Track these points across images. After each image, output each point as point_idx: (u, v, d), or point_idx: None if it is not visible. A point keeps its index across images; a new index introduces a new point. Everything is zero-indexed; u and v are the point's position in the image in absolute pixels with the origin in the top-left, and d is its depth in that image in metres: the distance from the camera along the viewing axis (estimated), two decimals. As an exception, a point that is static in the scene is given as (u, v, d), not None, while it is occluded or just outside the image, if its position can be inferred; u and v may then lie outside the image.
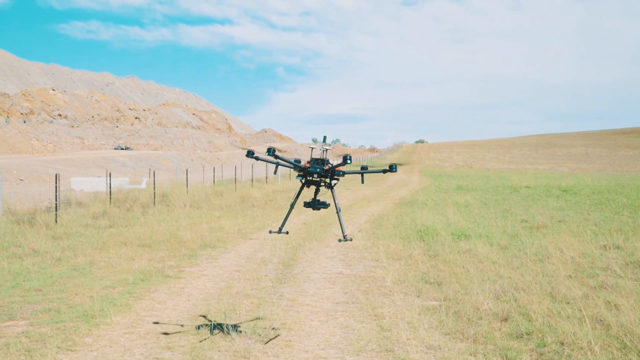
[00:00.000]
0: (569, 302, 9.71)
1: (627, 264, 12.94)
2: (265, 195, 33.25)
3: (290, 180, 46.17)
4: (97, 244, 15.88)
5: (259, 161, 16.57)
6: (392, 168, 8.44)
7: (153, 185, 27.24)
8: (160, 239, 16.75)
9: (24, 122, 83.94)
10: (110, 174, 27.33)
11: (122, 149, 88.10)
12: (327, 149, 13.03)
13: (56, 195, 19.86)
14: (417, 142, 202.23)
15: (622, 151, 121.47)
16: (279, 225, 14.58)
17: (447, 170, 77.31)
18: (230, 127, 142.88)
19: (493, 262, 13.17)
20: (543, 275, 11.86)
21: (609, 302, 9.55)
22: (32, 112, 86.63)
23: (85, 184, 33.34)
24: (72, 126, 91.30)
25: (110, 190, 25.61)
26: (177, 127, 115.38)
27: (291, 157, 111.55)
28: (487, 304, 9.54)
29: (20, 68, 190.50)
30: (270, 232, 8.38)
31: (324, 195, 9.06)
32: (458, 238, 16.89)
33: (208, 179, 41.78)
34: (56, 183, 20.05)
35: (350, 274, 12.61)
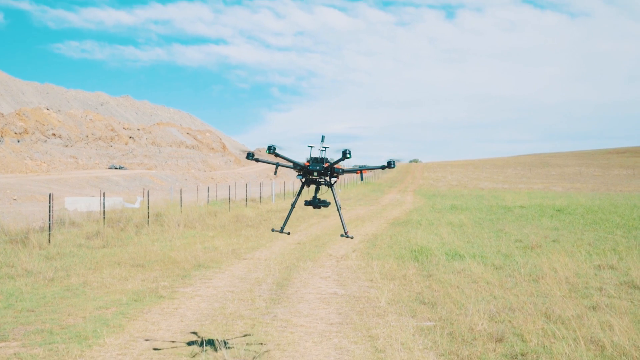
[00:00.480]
0: (563, 323, 9.70)
1: (621, 284, 12.95)
2: (259, 215, 33.21)
3: (284, 200, 46.14)
4: (90, 264, 15.81)
5: (259, 163, 16.56)
6: (390, 164, 8.48)
7: (147, 205, 27.17)
8: (154, 259, 16.69)
9: (18, 141, 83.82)
10: (104, 193, 27.28)
11: (116, 168, 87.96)
12: (325, 148, 13.07)
13: (49, 215, 19.80)
14: (411, 161, 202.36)
15: (616, 171, 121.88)
16: (281, 225, 14.60)
17: (441, 190, 77.39)
18: (224, 147, 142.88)
19: (487, 282, 13.16)
20: (537, 296, 11.85)
21: (604, 323, 9.54)
22: (26, 131, 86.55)
23: (78, 203, 33.24)
24: (66, 145, 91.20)
25: (104, 210, 25.54)
26: (171, 146, 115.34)
27: (286, 178, 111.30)
28: (482, 324, 9.52)
29: (14, 87, 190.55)
30: (272, 230, 8.37)
31: (322, 195, 9.10)
32: (452, 258, 16.89)
33: (202, 198, 41.73)
34: (50, 203, 20.00)
35: (345, 295, 12.58)
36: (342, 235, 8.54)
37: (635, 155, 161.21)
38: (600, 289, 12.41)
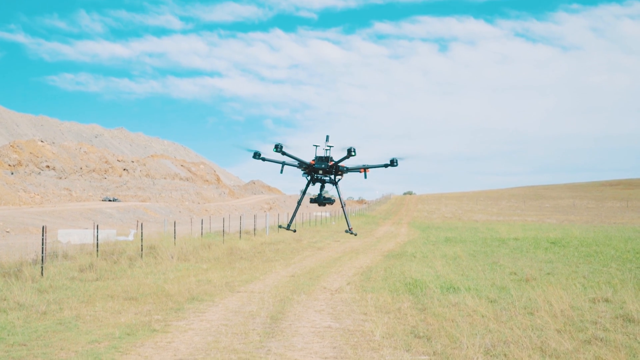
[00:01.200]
0: (559, 357, 9.65)
1: (616, 318, 12.92)
2: (254, 248, 33.11)
3: (278, 232, 46.02)
4: (83, 297, 15.71)
5: (266, 162, 16.51)
6: (392, 162, 8.48)
7: (140, 237, 27.07)
8: (147, 292, 16.60)
9: (12, 173, 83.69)
10: (97, 225, 27.18)
11: (109, 200, 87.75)
12: (330, 147, 13.06)
13: (42, 248, 19.70)
14: (405, 193, 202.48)
15: (609, 203, 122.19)
16: (287, 222, 14.51)
17: (436, 222, 77.38)
18: (218, 179, 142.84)
19: (482, 316, 13.12)
20: (532, 329, 11.81)
21: (599, 357, 9.50)
22: (20, 163, 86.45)
23: (72, 235, 33.09)
24: (60, 178, 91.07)
25: (97, 243, 25.43)
26: (165, 178, 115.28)
27: (280, 210, 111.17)
28: (477, 358, 9.47)
29: (9, 119, 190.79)
30: (279, 227, 8.33)
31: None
32: (447, 291, 16.84)
33: (196, 230, 41.61)
34: (43, 235, 19.91)
35: (339, 328, 12.51)
36: (346, 232, 8.63)
37: (628, 187, 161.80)
38: (596, 323, 12.38)
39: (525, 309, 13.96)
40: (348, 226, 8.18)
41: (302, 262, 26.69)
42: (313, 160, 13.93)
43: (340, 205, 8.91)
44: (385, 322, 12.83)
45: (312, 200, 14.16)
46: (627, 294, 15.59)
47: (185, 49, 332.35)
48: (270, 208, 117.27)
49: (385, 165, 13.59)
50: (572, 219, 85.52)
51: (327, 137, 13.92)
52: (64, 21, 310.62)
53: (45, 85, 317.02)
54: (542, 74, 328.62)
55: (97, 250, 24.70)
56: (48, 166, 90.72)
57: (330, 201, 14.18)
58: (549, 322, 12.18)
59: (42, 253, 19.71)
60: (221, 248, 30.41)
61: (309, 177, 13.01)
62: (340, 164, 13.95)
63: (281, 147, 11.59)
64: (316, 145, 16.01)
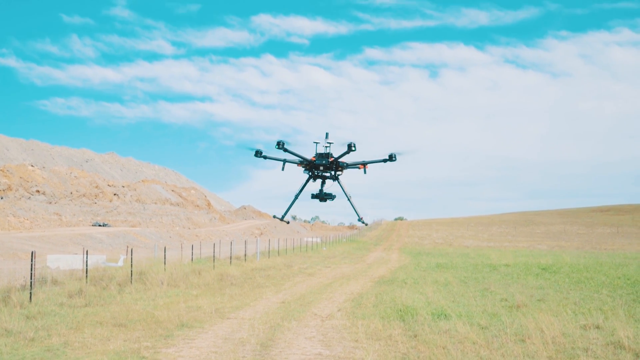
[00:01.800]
0: (550, 384, 9.61)
1: (608, 345, 12.90)
2: (244, 274, 32.95)
3: (269, 258, 45.85)
4: (71, 324, 15.57)
5: (267, 159, 16.52)
6: (391, 157, 8.57)
7: (130, 263, 26.91)
8: (137, 319, 16.46)
9: (2, 198, 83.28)
10: (87, 251, 27.03)
11: (99, 225, 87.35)
12: (330, 144, 13.17)
13: (31, 273, 19.56)
14: (396, 219, 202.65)
15: (600, 229, 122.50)
16: (282, 213, 14.37)
17: (427, 248, 77.34)
18: (209, 204, 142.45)
19: (473, 343, 13.06)
20: (524, 356, 11.77)
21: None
22: (9, 188, 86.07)
23: (61, 261, 32.88)
24: (50, 202, 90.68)
25: (86, 268, 25.27)
26: (155, 203, 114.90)
27: (271, 235, 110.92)
28: (468, 386, 9.42)
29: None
30: (274, 216, 8.37)
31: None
32: (438, 317, 16.78)
33: (186, 256, 41.41)
34: (32, 260, 19.77)
35: (330, 355, 12.43)
36: (358, 221, 8.67)
37: (618, 213, 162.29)
38: (587, 350, 12.35)
39: (516, 335, 13.92)
40: (358, 216, 8.21)
41: (293, 288, 26.58)
42: (314, 157, 14.22)
43: (347, 198, 8.98)
44: (376, 349, 12.76)
45: (314, 196, 14.31)
46: (618, 320, 15.58)
47: (176, 73, 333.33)
48: (261, 233, 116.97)
49: (384, 160, 13.88)
50: (563, 244, 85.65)
51: (327, 134, 14.27)
52: (55, 46, 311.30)
53: (36, 110, 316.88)
54: (532, 100, 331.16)
55: (87, 276, 24.54)
56: (38, 191, 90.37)
57: (331, 196, 14.38)
58: (540, 349, 12.15)
59: (31, 279, 19.56)
60: (211, 274, 30.25)
61: (309, 174, 13.18)
62: (340, 159, 14.14)
63: (283, 144, 11.74)
64: (316, 143, 16.33)
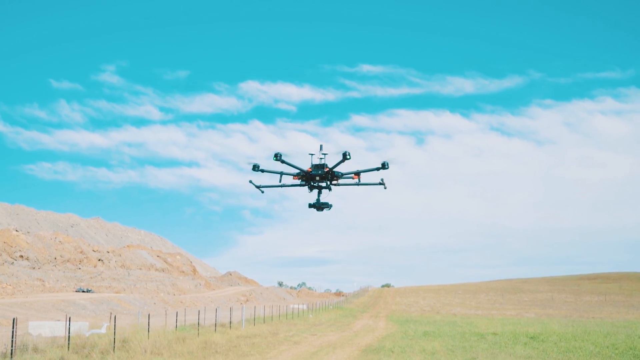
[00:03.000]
0: None
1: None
2: (229, 341, 32.50)
3: (255, 325, 45.31)
4: (51, 394, 15.23)
5: (264, 173, 16.98)
6: (384, 165, 8.67)
7: (113, 330, 26.52)
8: (119, 388, 16.14)
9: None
10: (69, 318, 26.64)
11: (83, 291, 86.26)
12: (325, 154, 13.48)
13: (12, 341, 19.21)
14: (383, 286, 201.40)
15: (587, 297, 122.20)
16: (260, 185, 14.03)
17: (414, 316, 76.72)
18: (194, 270, 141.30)
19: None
20: None
21: None
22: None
23: (43, 328, 32.32)
24: (34, 268, 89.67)
25: (69, 335, 24.86)
26: (140, 269, 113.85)
27: (256, 302, 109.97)
28: None
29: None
30: (250, 181, 8.30)
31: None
32: (425, 387, 16.56)
33: (171, 323, 40.86)
34: (13, 327, 19.45)
35: None
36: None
37: (605, 281, 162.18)
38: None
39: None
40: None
41: (279, 357, 26.22)
42: (310, 168, 14.78)
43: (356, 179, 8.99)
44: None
45: (311, 205, 14.48)
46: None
47: (164, 139, 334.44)
48: (247, 300, 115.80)
49: (377, 169, 14.18)
50: (550, 312, 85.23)
51: (321, 146, 14.75)
52: (43, 110, 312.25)
53: (22, 174, 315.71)
54: (518, 167, 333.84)
55: (69, 343, 24.12)
56: (22, 256, 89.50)
57: (327, 205, 14.63)
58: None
59: (12, 346, 19.21)
60: (196, 342, 29.82)
61: (306, 184, 13.60)
62: (335, 169, 14.56)
63: (280, 155, 12.04)
64: (312, 154, 16.93)
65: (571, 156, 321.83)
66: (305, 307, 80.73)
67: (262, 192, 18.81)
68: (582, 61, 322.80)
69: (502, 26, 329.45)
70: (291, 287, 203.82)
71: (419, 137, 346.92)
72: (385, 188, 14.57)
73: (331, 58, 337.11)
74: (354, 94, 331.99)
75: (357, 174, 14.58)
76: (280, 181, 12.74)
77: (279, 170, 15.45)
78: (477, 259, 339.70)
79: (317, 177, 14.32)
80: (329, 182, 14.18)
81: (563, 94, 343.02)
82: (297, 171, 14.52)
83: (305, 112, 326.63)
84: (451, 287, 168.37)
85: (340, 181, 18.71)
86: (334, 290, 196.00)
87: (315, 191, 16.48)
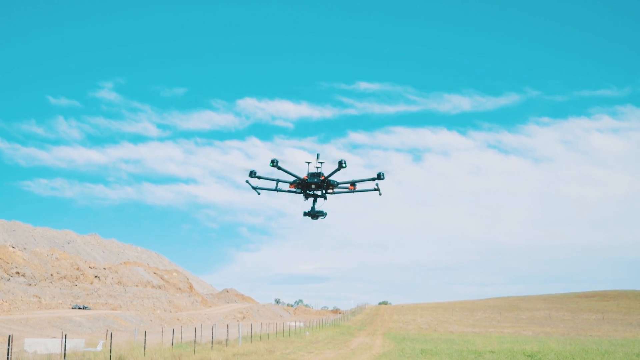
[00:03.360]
0: None
1: None
2: (226, 359, 32.36)
3: (251, 343, 45.09)
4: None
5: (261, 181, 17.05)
6: (379, 176, 8.74)
7: (109, 348, 26.40)
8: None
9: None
10: (65, 335, 26.52)
11: (79, 308, 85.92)
12: (322, 163, 13.62)
13: (8, 358, 19.13)
14: (380, 303, 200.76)
15: (585, 315, 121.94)
16: (255, 185, 13.96)
17: (411, 333, 76.43)
18: (191, 287, 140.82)
19: None
20: None
21: None
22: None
23: (39, 345, 32.17)
24: (30, 284, 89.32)
25: (64, 353, 24.74)
26: (137, 286, 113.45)
27: (253, 319, 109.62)
28: None
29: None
30: (247, 181, 8.32)
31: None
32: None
33: (167, 340, 40.67)
34: (9, 345, 19.38)
35: None
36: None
37: (603, 299, 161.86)
38: None
39: None
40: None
41: (313, 219, 25.95)
42: (306, 176, 14.85)
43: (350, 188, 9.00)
44: None
45: (306, 214, 14.55)
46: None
47: (161, 155, 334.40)
48: (244, 317, 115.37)
49: (373, 179, 14.24)
50: (548, 331, 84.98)
51: (318, 155, 14.91)
52: (41, 127, 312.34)
53: (19, 190, 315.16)
54: (515, 185, 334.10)
55: (64, 361, 24.00)
56: (18, 272, 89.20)
57: (322, 214, 14.65)
58: None
59: (7, 364, 19.11)
60: (192, 359, 29.69)
61: (302, 192, 13.73)
62: (331, 177, 14.68)
63: (277, 162, 12.19)
64: (308, 162, 17.02)
65: (568, 174, 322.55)
66: (302, 324, 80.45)
67: (259, 193, 19.04)
68: (578, 79, 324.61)
69: (499, 44, 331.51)
70: (288, 305, 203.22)
71: (416, 154, 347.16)
72: (380, 194, 14.70)
73: (329, 75, 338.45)
74: (351, 111, 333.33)
75: (353, 184, 14.71)
76: (276, 188, 12.82)
77: (276, 177, 15.69)
78: (475, 276, 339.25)
79: (313, 185, 14.43)
80: (324, 191, 14.31)
81: (560, 112, 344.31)
82: (294, 179, 14.69)
83: (303, 129, 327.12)
84: (448, 304, 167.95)
85: (336, 190, 18.88)
86: (331, 308, 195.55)
87: (311, 200, 16.62)
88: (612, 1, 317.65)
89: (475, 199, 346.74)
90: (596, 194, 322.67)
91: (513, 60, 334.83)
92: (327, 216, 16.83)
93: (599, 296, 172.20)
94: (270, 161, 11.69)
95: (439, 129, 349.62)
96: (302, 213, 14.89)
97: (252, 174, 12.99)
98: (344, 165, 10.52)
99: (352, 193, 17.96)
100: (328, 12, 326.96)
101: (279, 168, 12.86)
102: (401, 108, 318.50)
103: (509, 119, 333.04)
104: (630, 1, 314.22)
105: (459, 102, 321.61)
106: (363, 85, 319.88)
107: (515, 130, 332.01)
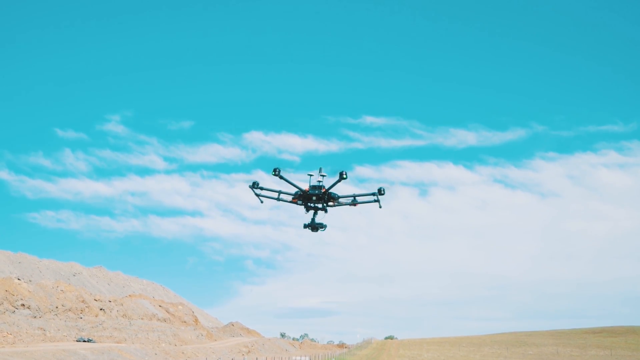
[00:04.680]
0: None
1: None
2: (232, 394, 32.15)
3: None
4: None
5: (261, 197, 17.30)
6: (380, 191, 8.81)
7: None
8: None
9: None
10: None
11: (84, 341, 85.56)
12: (324, 176, 13.77)
13: (14, 392, 19.07)
14: (386, 338, 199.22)
15: (593, 351, 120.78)
16: (260, 192, 14.07)
17: (418, 369, 75.74)
18: (196, 320, 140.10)
19: None
20: None
21: None
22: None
23: (44, 378, 32.04)
24: (35, 317, 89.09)
25: (70, 387, 24.65)
26: (142, 319, 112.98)
27: (258, 354, 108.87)
28: None
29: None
30: (250, 187, 8.33)
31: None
32: None
33: (172, 374, 40.43)
34: (15, 378, 19.33)
35: None
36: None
37: (611, 335, 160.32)
38: None
39: None
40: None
41: (313, 231, 25.80)
42: (307, 187, 15.11)
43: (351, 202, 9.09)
44: None
45: (306, 226, 14.75)
46: None
47: (167, 188, 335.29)
48: (249, 351, 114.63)
49: (373, 194, 14.42)
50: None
51: (320, 168, 15.24)
52: (48, 159, 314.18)
53: (25, 222, 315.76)
54: (522, 219, 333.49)
55: (70, 394, 23.90)
56: (23, 305, 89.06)
57: (322, 226, 14.83)
58: None
59: (13, 397, 19.04)
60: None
61: (303, 204, 13.93)
62: (332, 190, 14.94)
63: (279, 171, 12.42)
64: (310, 175, 17.33)
65: (575, 209, 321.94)
66: (307, 359, 79.98)
67: (262, 202, 19.48)
68: (584, 114, 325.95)
69: (505, 79, 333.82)
70: (293, 339, 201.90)
71: (423, 188, 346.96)
72: (380, 207, 14.83)
73: (335, 109, 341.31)
74: (357, 145, 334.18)
75: (354, 203, 14.94)
76: (278, 198, 13.08)
77: (277, 189, 16.13)
78: (481, 311, 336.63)
79: (314, 197, 14.73)
80: (325, 204, 14.61)
81: (566, 147, 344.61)
82: (295, 190, 15.01)
83: (309, 162, 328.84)
84: (455, 339, 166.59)
85: (337, 203, 19.18)
86: (336, 342, 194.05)
87: (311, 212, 16.95)
88: (617, 37, 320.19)
89: (481, 234, 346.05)
90: (603, 229, 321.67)
91: (519, 95, 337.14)
92: (326, 228, 17.13)
93: (607, 332, 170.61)
94: (272, 170, 12.04)
95: (445, 163, 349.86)
96: (303, 225, 15.15)
97: (255, 185, 13.30)
98: (345, 176, 10.81)
99: (352, 206, 18.28)
100: (335, 47, 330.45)
101: (281, 177, 13.23)
102: (407, 142, 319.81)
103: (515, 153, 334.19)
104: (636, 36, 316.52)
105: (465, 137, 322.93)
106: (369, 119, 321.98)
107: (522, 165, 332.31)
